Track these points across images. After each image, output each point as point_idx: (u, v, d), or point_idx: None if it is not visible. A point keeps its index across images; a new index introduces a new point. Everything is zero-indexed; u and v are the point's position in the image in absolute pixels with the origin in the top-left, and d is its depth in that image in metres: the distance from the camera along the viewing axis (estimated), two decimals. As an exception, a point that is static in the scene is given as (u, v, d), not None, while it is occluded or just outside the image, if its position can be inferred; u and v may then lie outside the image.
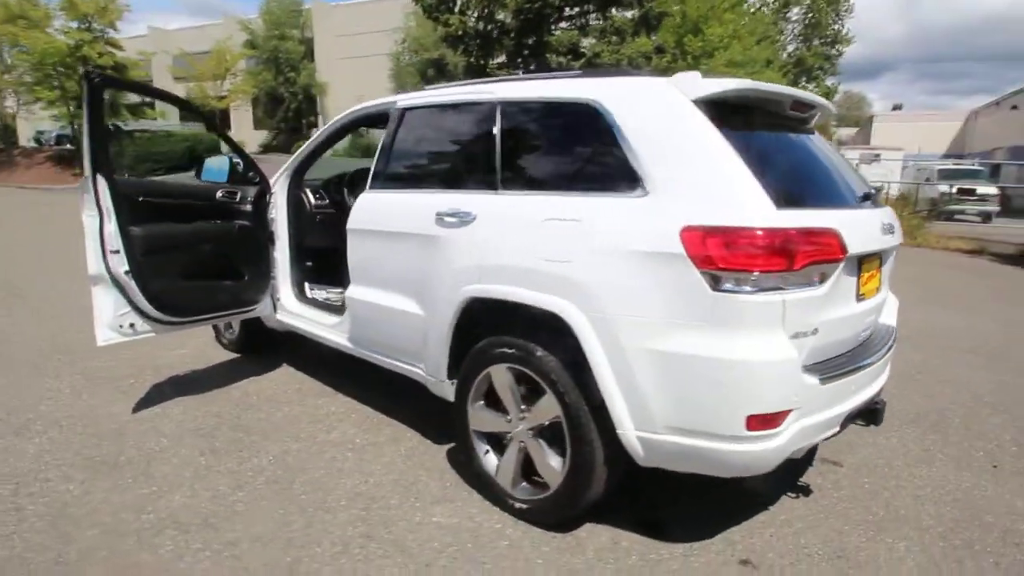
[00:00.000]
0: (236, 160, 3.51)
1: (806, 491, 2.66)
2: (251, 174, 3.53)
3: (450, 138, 2.83)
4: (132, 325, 3.05)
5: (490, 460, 2.51)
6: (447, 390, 2.68)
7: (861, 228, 2.09)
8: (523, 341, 2.27)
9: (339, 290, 4.09)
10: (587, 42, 18.86)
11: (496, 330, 2.38)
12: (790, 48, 35.76)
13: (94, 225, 2.85)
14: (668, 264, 1.89)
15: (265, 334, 4.04)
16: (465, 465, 2.76)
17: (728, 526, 2.39)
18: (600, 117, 2.15)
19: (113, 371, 3.86)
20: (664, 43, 18.97)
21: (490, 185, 2.43)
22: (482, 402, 2.50)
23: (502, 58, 19.45)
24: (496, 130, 2.46)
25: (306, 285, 3.89)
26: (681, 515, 2.45)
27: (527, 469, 2.39)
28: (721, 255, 1.81)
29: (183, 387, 3.62)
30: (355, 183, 3.97)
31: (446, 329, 2.52)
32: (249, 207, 3.48)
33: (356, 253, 2.97)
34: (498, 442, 2.51)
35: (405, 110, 2.92)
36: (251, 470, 2.71)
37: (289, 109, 32.89)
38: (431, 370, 2.69)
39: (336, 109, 34.24)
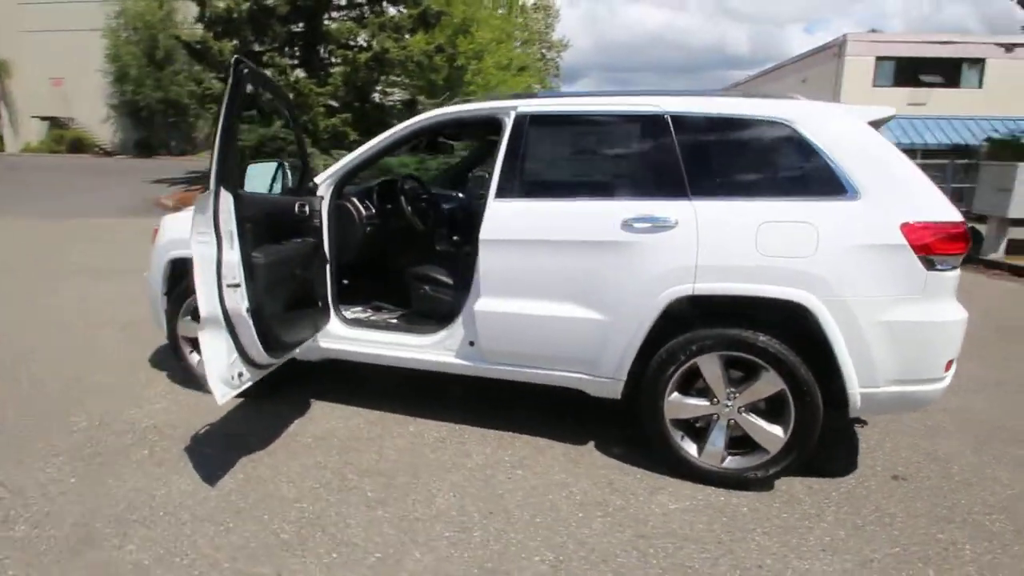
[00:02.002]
0: (286, 167, 2.99)
1: (862, 421, 3.43)
2: (312, 183, 3.04)
3: (611, 148, 2.92)
4: (240, 375, 2.49)
5: (688, 445, 2.74)
6: (616, 389, 2.81)
7: None
8: (738, 330, 2.56)
9: (360, 307, 3.74)
10: (364, 35, 18.43)
11: (695, 325, 2.62)
12: (519, 51, 39.31)
13: (209, 254, 2.25)
14: (891, 253, 2.39)
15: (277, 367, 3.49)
16: (627, 456, 2.94)
17: (855, 456, 3.02)
18: (796, 133, 2.53)
19: (95, 445, 2.97)
20: (442, 43, 19.49)
21: (678, 193, 2.63)
22: (677, 393, 2.71)
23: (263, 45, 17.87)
24: (674, 141, 2.66)
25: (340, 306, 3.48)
26: (820, 456, 2.99)
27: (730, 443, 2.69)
28: (935, 243, 2.38)
29: (229, 447, 2.98)
30: (405, 191, 3.64)
31: (640, 329, 2.65)
32: (317, 222, 3.01)
33: (497, 264, 2.85)
34: (690, 427, 2.76)
35: (531, 117, 2.90)
36: (452, 510, 2.49)
37: (-50, 92, 25.39)
38: (608, 371, 2.78)
39: (27, 93, 27.41)
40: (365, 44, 18.33)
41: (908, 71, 22.08)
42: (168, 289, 3.59)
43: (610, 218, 2.68)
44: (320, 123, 16.57)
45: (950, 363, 2.50)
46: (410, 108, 19.84)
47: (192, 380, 3.65)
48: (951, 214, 2.43)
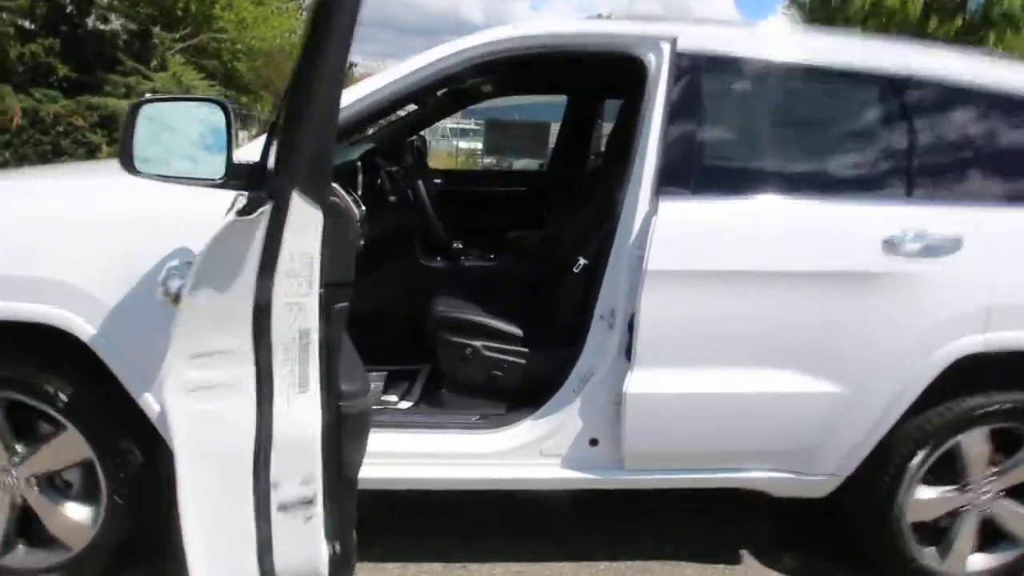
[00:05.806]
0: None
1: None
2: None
3: (839, 122, 1.81)
4: None
5: (926, 551, 1.93)
6: (828, 487, 1.88)
7: None
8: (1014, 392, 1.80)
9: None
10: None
11: (966, 389, 1.79)
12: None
13: None
14: None
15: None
16: (807, 566, 2.08)
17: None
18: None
19: None
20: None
21: (945, 196, 1.75)
22: (924, 485, 1.87)
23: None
24: (933, 120, 1.76)
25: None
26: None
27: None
28: None
29: None
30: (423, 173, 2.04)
31: (899, 403, 1.73)
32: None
33: (674, 313, 1.64)
34: (925, 527, 1.95)
35: (708, 60, 1.70)
36: None
37: None
38: (829, 466, 1.81)
39: None
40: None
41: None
42: None
43: (862, 235, 1.67)
44: (11, 50, 11.96)
45: None
46: (142, 41, 15.55)
47: None
48: None
